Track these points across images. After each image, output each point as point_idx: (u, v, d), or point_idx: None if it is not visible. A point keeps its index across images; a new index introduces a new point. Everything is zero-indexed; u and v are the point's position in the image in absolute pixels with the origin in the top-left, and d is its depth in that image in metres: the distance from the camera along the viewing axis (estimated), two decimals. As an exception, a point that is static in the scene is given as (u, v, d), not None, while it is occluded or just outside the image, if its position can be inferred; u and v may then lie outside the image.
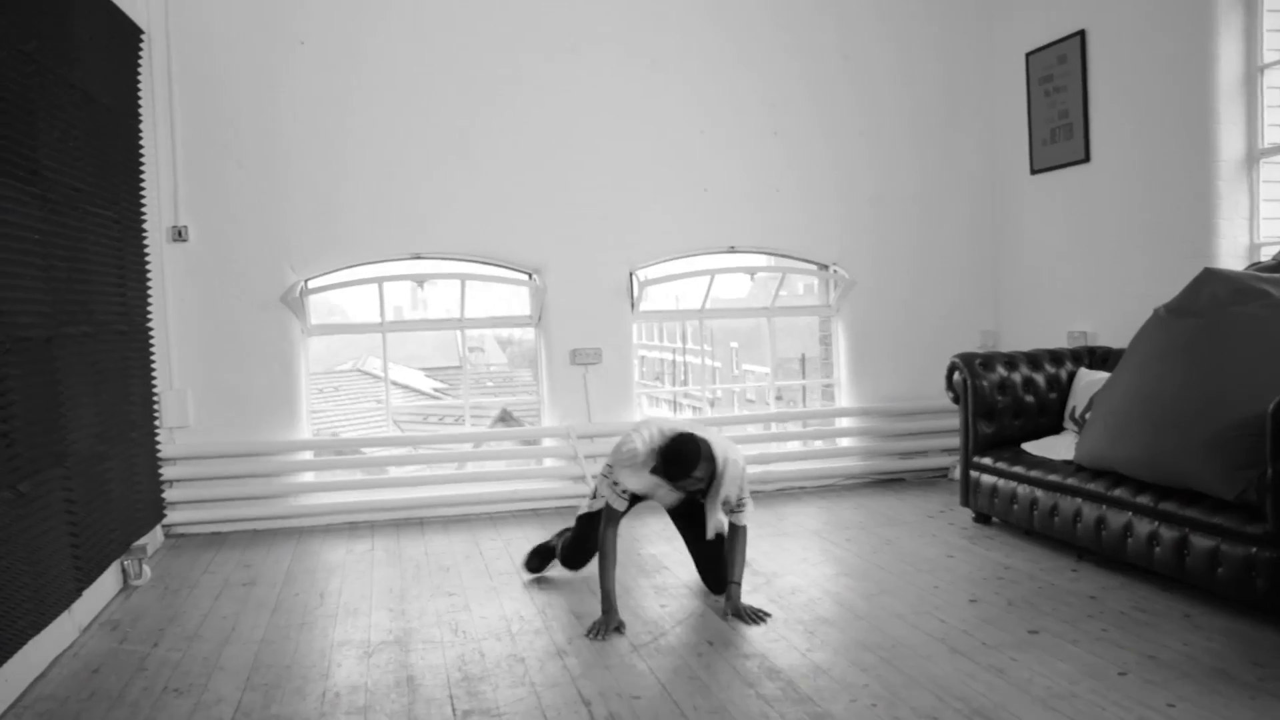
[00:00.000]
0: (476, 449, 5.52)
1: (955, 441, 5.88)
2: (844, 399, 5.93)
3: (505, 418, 13.19)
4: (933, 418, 5.90)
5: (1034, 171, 5.60)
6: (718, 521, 3.45)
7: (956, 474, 5.79)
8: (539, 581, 3.96)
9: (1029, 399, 4.71)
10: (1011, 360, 4.78)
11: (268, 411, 5.13)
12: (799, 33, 5.70)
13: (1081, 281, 5.33)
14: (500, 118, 5.31)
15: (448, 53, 5.24)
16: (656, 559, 4.21)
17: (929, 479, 5.87)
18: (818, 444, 5.91)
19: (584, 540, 3.76)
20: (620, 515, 3.49)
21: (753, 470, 5.64)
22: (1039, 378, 4.75)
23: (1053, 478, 4.10)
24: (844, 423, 5.93)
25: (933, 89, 5.90)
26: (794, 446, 5.87)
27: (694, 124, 5.57)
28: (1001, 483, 4.45)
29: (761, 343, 6.14)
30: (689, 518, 3.71)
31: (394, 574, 4.16)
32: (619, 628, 3.32)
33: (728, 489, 3.42)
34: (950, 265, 5.98)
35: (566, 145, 5.40)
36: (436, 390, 19.21)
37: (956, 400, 4.83)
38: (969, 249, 6.00)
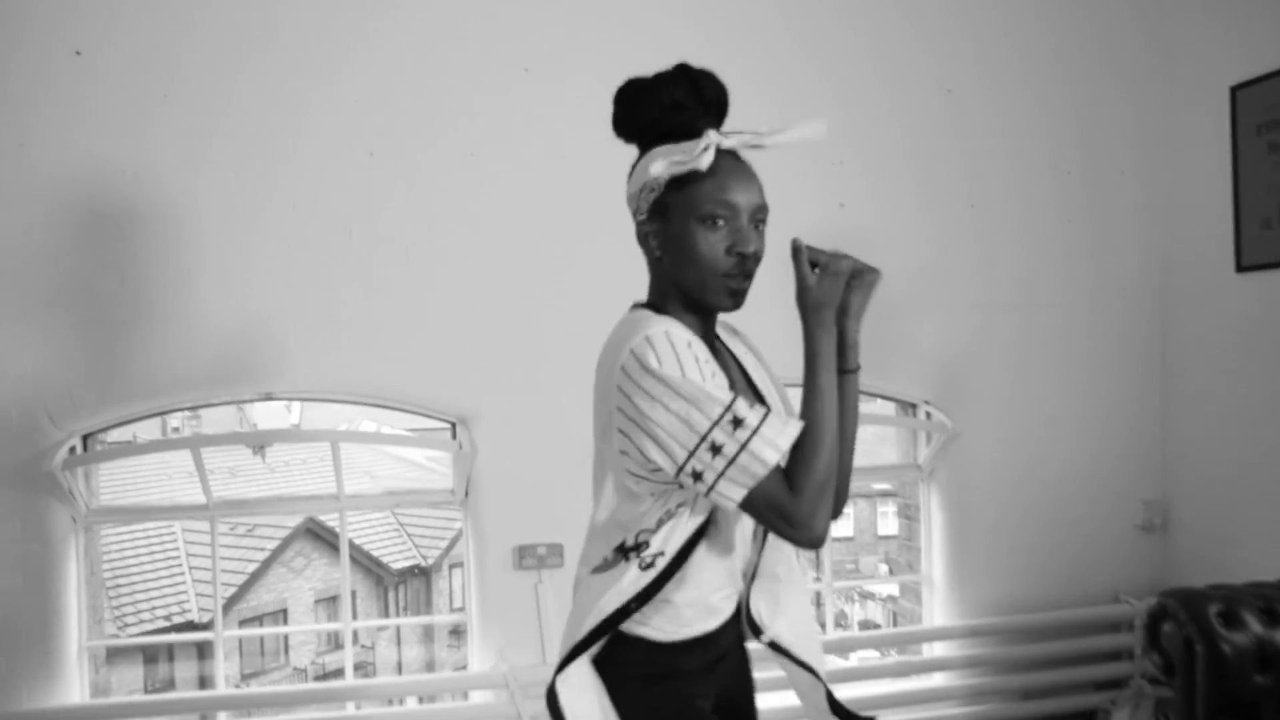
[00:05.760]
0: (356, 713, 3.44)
1: (1102, 671, 3.87)
2: (937, 610, 3.87)
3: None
4: (1072, 634, 3.85)
5: (1242, 269, 3.60)
6: None
7: (1119, 724, 3.77)
8: None
9: (1305, 679, 2.68)
10: (1269, 605, 2.74)
11: (4, 664, 3.08)
12: (882, 51, 3.74)
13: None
14: (405, 179, 3.33)
15: (347, 67, 3.28)
16: None
17: (1070, 733, 3.81)
18: (899, 683, 3.83)
19: None
20: None
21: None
22: (1318, 640, 2.72)
23: None
24: (937, 650, 3.86)
25: (1073, 141, 3.90)
26: (859, 690, 3.76)
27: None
28: None
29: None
30: None
31: None
32: None
33: None
34: (1098, 407, 3.94)
35: (521, 222, 3.41)
36: (432, 460, 16.52)
37: (1168, 671, 2.80)
38: (1124, 383, 3.98)
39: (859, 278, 1.65)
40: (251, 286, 3.22)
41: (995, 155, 3.83)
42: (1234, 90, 3.57)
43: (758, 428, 1.43)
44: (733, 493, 1.43)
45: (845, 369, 1.70)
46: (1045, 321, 3.89)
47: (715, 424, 1.42)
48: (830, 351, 1.55)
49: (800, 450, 1.47)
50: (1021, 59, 3.86)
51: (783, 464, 1.46)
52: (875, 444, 4.06)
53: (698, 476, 1.44)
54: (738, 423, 1.42)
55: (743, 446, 1.42)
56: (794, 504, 1.44)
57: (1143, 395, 3.99)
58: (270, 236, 3.23)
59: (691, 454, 1.43)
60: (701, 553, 1.59)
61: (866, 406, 3.93)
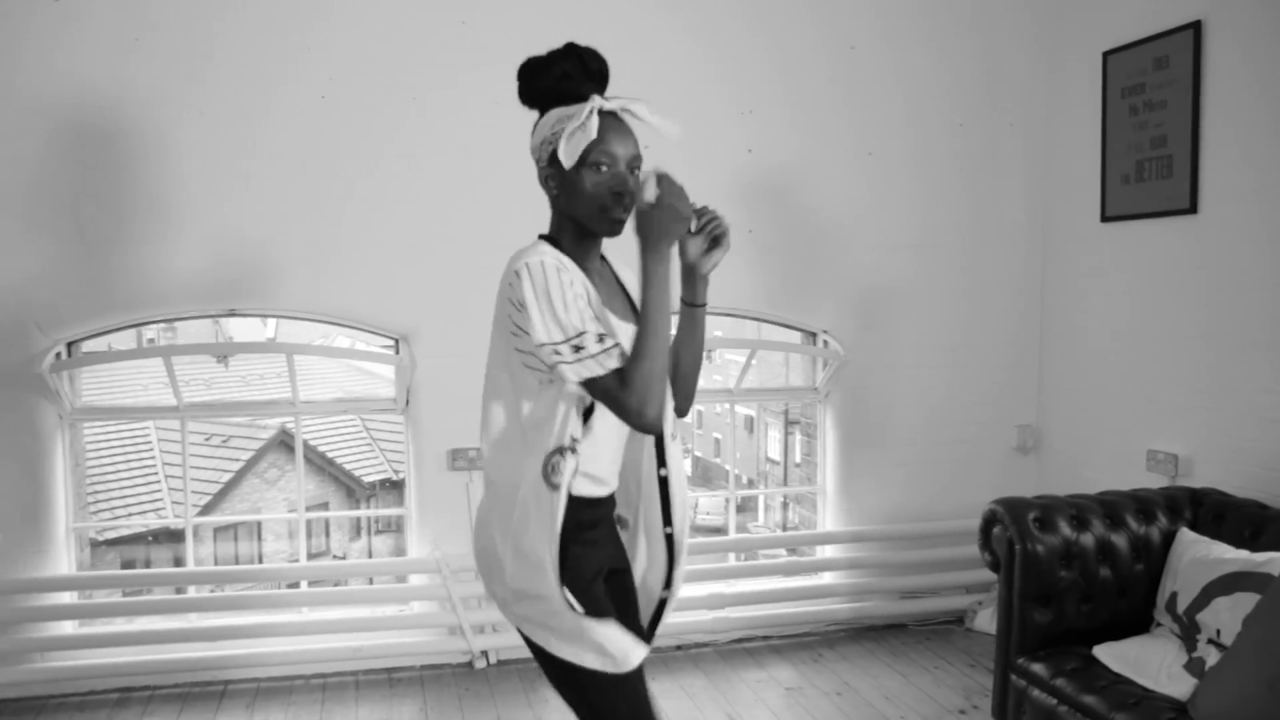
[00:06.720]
0: (308, 587, 3.94)
1: (975, 576, 4.38)
2: (829, 517, 4.37)
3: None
4: (949, 543, 4.36)
5: (1106, 219, 4.03)
6: None
7: (978, 623, 4.30)
8: None
9: (1105, 573, 3.17)
10: (1081, 514, 3.22)
11: (4, 539, 3.54)
12: (792, 8, 4.10)
13: (1171, 380, 3.78)
14: (353, 121, 3.71)
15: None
16: None
17: (938, 628, 4.34)
18: (791, 580, 4.34)
19: None
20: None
21: (702, 617, 4.12)
22: (1120, 541, 3.20)
23: (1156, 736, 2.58)
24: (828, 551, 4.37)
25: (965, 100, 4.31)
26: (755, 585, 4.28)
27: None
28: (1064, 710, 2.93)
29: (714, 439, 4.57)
30: None
31: None
32: None
33: None
34: (981, 339, 4.41)
35: (456, 162, 3.80)
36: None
37: (995, 567, 3.30)
38: (1006, 319, 4.44)
39: (724, 237, 2.02)
40: (217, 215, 3.62)
41: (894, 107, 4.23)
42: (1105, 55, 3.97)
43: (596, 354, 1.83)
44: (574, 375, 1.81)
45: (697, 303, 2.05)
46: (936, 261, 4.32)
47: (567, 340, 1.81)
48: (661, 275, 1.89)
49: (633, 354, 1.85)
50: (920, 20, 4.23)
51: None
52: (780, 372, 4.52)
53: (557, 352, 1.80)
54: (578, 349, 1.82)
55: (582, 360, 1.82)
56: (624, 395, 1.84)
57: (1022, 331, 4.45)
58: (233, 170, 3.62)
59: (555, 344, 1.79)
60: (590, 435, 1.95)
61: (775, 334, 4.39)
